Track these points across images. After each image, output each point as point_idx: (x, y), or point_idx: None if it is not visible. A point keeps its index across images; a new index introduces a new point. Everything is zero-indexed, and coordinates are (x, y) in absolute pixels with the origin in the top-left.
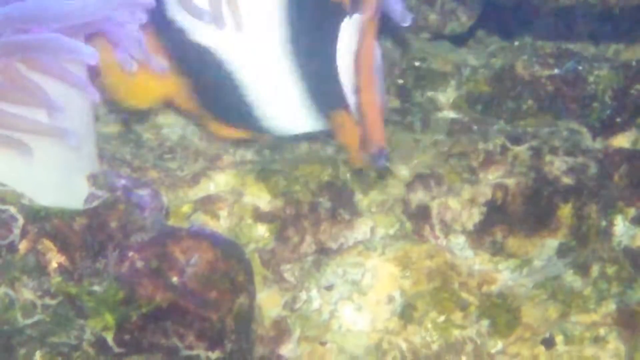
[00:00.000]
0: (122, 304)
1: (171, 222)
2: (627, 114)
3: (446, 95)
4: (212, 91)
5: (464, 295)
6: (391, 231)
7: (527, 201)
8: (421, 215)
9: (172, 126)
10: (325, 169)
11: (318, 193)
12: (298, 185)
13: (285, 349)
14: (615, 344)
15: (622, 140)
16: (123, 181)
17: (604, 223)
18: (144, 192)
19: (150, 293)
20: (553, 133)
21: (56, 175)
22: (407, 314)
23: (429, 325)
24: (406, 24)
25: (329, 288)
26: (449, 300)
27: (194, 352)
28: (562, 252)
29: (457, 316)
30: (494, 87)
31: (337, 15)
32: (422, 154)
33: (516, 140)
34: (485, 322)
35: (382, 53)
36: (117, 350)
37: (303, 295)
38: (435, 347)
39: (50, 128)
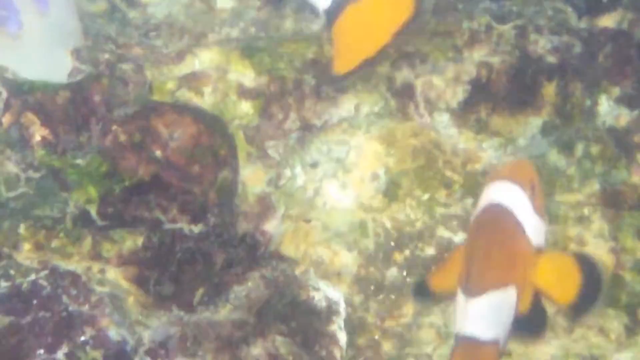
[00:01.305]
0: (105, 177)
1: (156, 98)
2: None
3: None
4: None
5: (448, 173)
6: (376, 109)
7: (512, 79)
8: (406, 93)
9: (157, 5)
10: (310, 47)
11: (302, 70)
12: (282, 63)
13: (269, 225)
14: (599, 223)
15: (607, 21)
16: (107, 56)
17: (588, 102)
18: (127, 67)
19: (134, 166)
20: (538, 12)
21: (40, 50)
22: (391, 191)
23: (413, 203)
24: None
25: (314, 165)
26: (433, 178)
27: (177, 226)
28: (546, 130)
29: (442, 194)
30: None
31: None
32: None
33: (501, 19)
34: (469, 201)
35: None
36: (100, 223)
37: (287, 172)
38: (419, 225)
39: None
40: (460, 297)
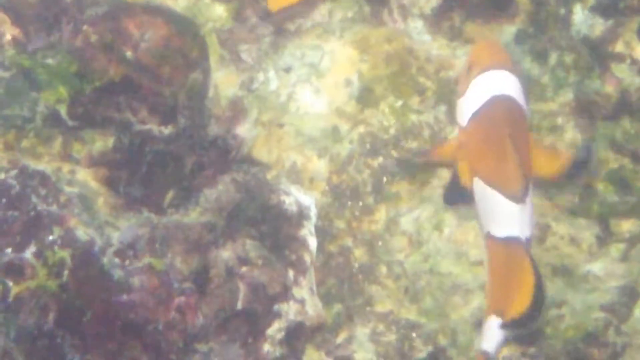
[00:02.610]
0: (76, 77)
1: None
2: None
3: None
4: None
5: (422, 80)
6: (350, 14)
7: None
8: None
9: None
10: None
11: None
12: None
13: (242, 129)
14: (572, 133)
15: None
16: None
17: (562, 11)
18: None
19: (104, 67)
20: None
21: None
22: (364, 97)
23: (387, 110)
24: None
25: (287, 70)
26: (407, 85)
27: (147, 127)
28: (520, 38)
29: (415, 101)
30: None
31: None
32: None
33: None
34: (442, 108)
35: None
36: (70, 123)
37: (260, 77)
38: (392, 131)
39: None
40: (498, 199)
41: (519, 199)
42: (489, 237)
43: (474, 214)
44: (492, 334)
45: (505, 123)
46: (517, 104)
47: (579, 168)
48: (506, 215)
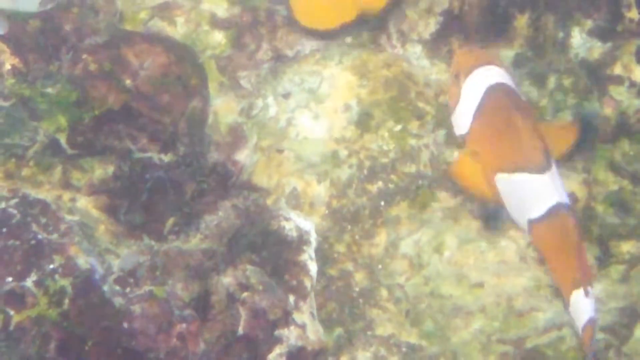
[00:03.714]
0: (75, 106)
1: (128, 28)
2: None
3: None
4: None
5: (421, 104)
6: (348, 40)
7: (484, 11)
8: (378, 24)
9: None
10: None
11: (275, 0)
12: None
13: (242, 155)
14: None
15: None
16: None
17: (560, 34)
18: None
19: (103, 95)
20: None
21: None
22: (363, 122)
23: (386, 134)
24: None
25: (286, 96)
26: (406, 109)
27: (147, 155)
28: (518, 62)
29: (414, 125)
30: None
31: None
32: None
33: None
34: (441, 132)
35: None
36: (70, 152)
37: (259, 102)
38: (391, 155)
39: None
40: (526, 178)
41: (544, 167)
42: (532, 224)
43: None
44: (585, 305)
45: (508, 104)
46: (513, 89)
47: (586, 139)
48: (539, 189)
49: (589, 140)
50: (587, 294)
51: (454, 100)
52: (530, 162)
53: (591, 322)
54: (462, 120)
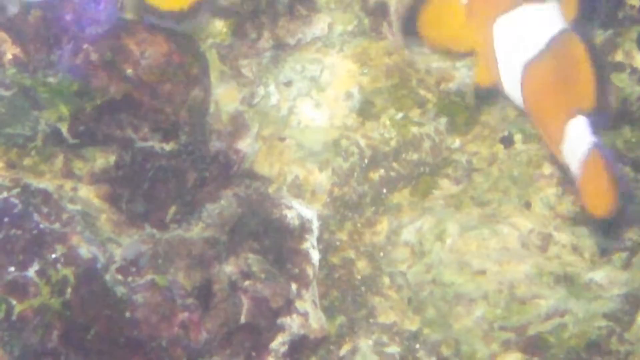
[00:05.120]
0: (77, 95)
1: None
2: None
3: None
4: None
5: (422, 92)
6: (349, 28)
7: None
8: (379, 12)
9: None
10: None
11: None
12: None
13: (243, 144)
14: None
15: None
16: None
17: None
18: None
19: (105, 85)
20: None
21: None
22: (365, 110)
23: (387, 122)
24: None
25: (287, 84)
26: (407, 97)
27: (149, 144)
28: None
29: (415, 113)
30: None
31: None
32: None
33: None
34: (443, 120)
35: None
36: (71, 141)
37: (261, 91)
38: (393, 143)
39: None
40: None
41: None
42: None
43: None
44: (583, 130)
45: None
46: None
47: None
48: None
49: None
50: (588, 118)
51: None
52: None
53: (597, 144)
54: None
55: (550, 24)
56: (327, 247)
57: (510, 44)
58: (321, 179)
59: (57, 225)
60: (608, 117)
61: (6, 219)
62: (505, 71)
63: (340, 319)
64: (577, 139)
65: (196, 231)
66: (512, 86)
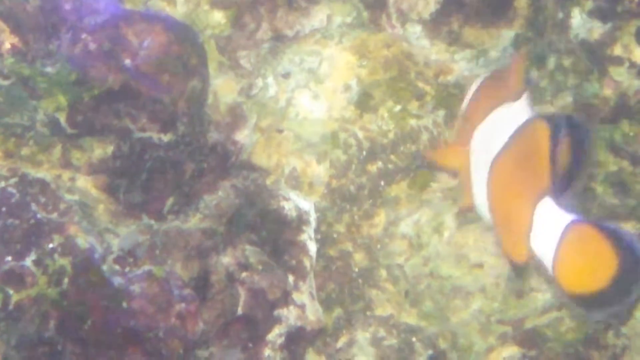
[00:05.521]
0: (75, 85)
1: (129, 7)
2: None
3: None
4: None
5: (421, 85)
6: (348, 19)
7: None
8: (378, 3)
9: None
10: None
11: None
12: None
13: (241, 135)
14: None
15: None
16: None
17: (560, 15)
18: None
19: (103, 75)
20: None
21: None
22: (363, 102)
23: (385, 114)
24: None
25: (286, 76)
26: (406, 89)
27: (147, 134)
28: (518, 43)
29: (414, 106)
30: None
31: None
32: None
33: None
34: (441, 112)
35: None
36: (70, 131)
37: (259, 82)
38: (391, 135)
39: None
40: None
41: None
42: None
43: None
44: (551, 211)
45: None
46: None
47: None
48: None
49: None
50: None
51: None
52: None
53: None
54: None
55: (516, 119)
56: (324, 239)
57: (480, 151)
58: (319, 170)
59: (54, 215)
60: (573, 190)
61: (3, 209)
62: (476, 181)
63: (338, 311)
64: (547, 222)
65: (194, 222)
66: (480, 195)
